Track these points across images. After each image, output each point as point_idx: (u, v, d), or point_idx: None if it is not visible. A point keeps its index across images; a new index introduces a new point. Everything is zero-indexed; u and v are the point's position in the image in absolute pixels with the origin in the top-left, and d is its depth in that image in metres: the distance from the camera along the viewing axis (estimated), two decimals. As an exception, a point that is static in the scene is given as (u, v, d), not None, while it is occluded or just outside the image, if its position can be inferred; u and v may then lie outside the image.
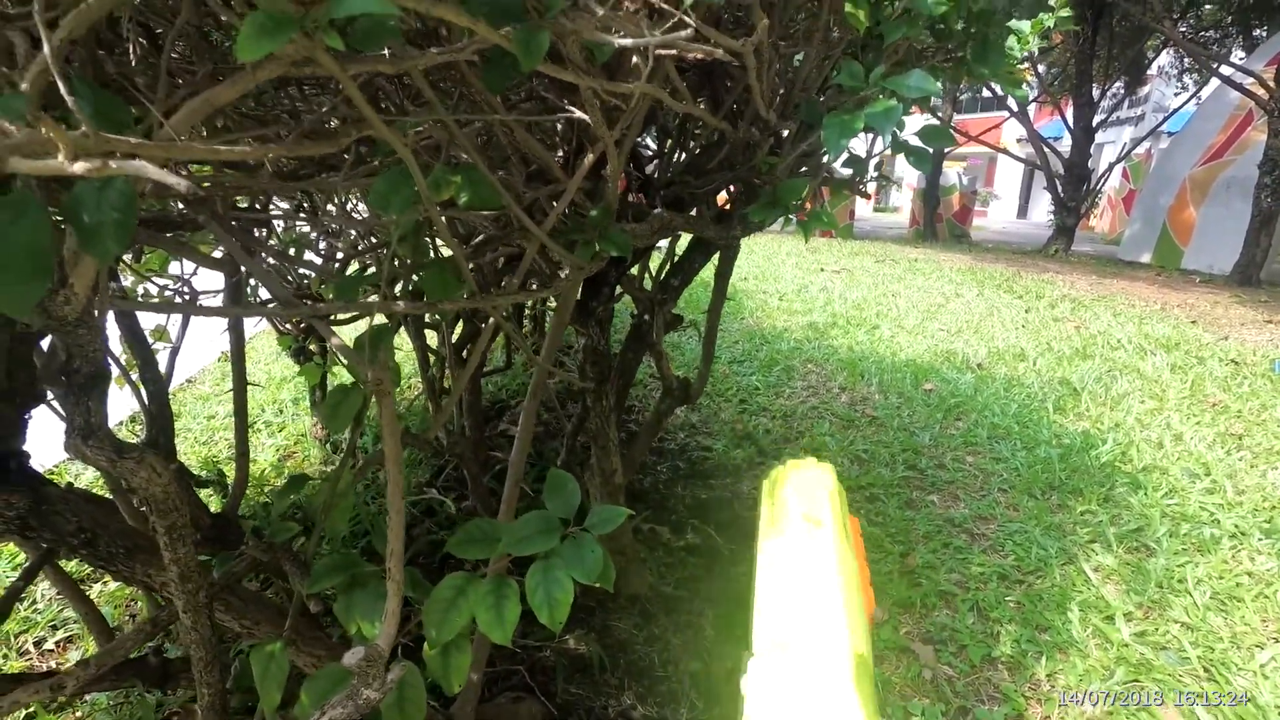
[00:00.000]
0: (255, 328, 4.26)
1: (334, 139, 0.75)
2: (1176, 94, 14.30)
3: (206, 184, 0.96)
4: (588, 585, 0.79)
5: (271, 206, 1.75)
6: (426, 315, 1.68)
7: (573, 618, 1.67)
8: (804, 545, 0.89)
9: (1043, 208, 17.96)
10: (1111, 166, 12.19)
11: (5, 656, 1.62)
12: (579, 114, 0.89)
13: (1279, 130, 7.70)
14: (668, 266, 1.75)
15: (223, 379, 3.56)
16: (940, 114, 12.03)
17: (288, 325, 2.30)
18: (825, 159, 1.42)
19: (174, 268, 1.77)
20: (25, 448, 0.86)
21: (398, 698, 0.72)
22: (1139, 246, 10.55)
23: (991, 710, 1.52)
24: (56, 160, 0.42)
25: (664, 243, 1.89)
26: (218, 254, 1.40)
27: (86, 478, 2.30)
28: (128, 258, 1.55)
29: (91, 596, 1.75)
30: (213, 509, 1.30)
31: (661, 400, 1.84)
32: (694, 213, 1.60)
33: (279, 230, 2.05)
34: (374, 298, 0.94)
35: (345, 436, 2.58)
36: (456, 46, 0.72)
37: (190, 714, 1.40)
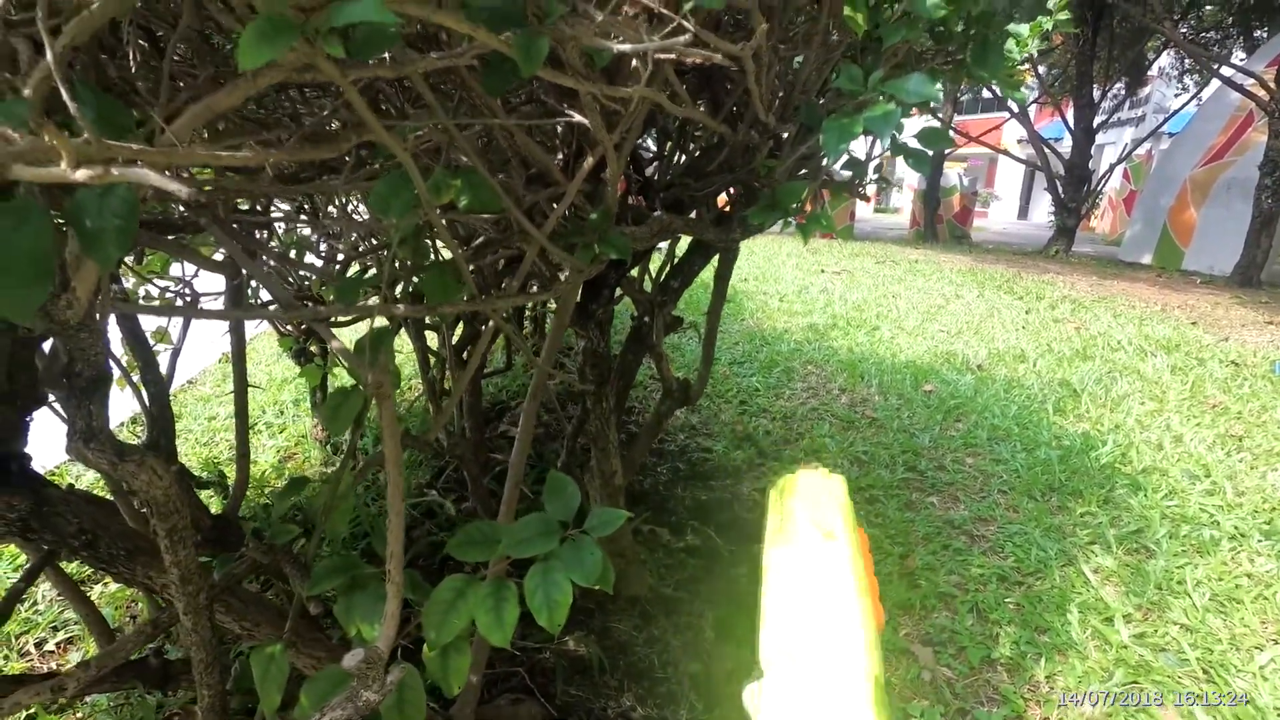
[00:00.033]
0: (256, 329, 4.27)
1: (335, 143, 0.76)
2: (1177, 95, 14.32)
3: (208, 187, 0.96)
4: (587, 587, 0.79)
5: (272, 209, 1.75)
6: (427, 317, 1.69)
7: (572, 619, 1.68)
8: (818, 559, 0.88)
9: (1043, 209, 17.95)
10: (1112, 167, 12.19)
11: (6, 658, 1.62)
12: (578, 118, 0.89)
13: (1279, 131, 7.70)
14: (668, 268, 1.75)
15: (224, 380, 3.57)
16: (941, 115, 12.03)
17: (289, 327, 2.31)
18: (825, 162, 1.42)
19: (175, 269, 1.77)
20: (27, 449, 0.86)
21: (397, 699, 0.72)
22: (1140, 247, 10.55)
23: (991, 712, 1.52)
24: (59, 168, 0.42)
25: (664, 244, 1.89)
26: (219, 256, 1.41)
27: (88, 479, 2.31)
28: (129, 260, 1.55)
29: (92, 598, 1.75)
30: (214, 510, 1.30)
31: (661, 402, 1.84)
32: (694, 215, 1.61)
33: (280, 232, 2.06)
34: (374, 300, 0.94)
35: (346, 438, 2.59)
36: (456, 51, 0.72)
37: (190, 715, 1.41)
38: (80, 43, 0.54)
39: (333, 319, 1.14)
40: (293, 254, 2.03)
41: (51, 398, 0.94)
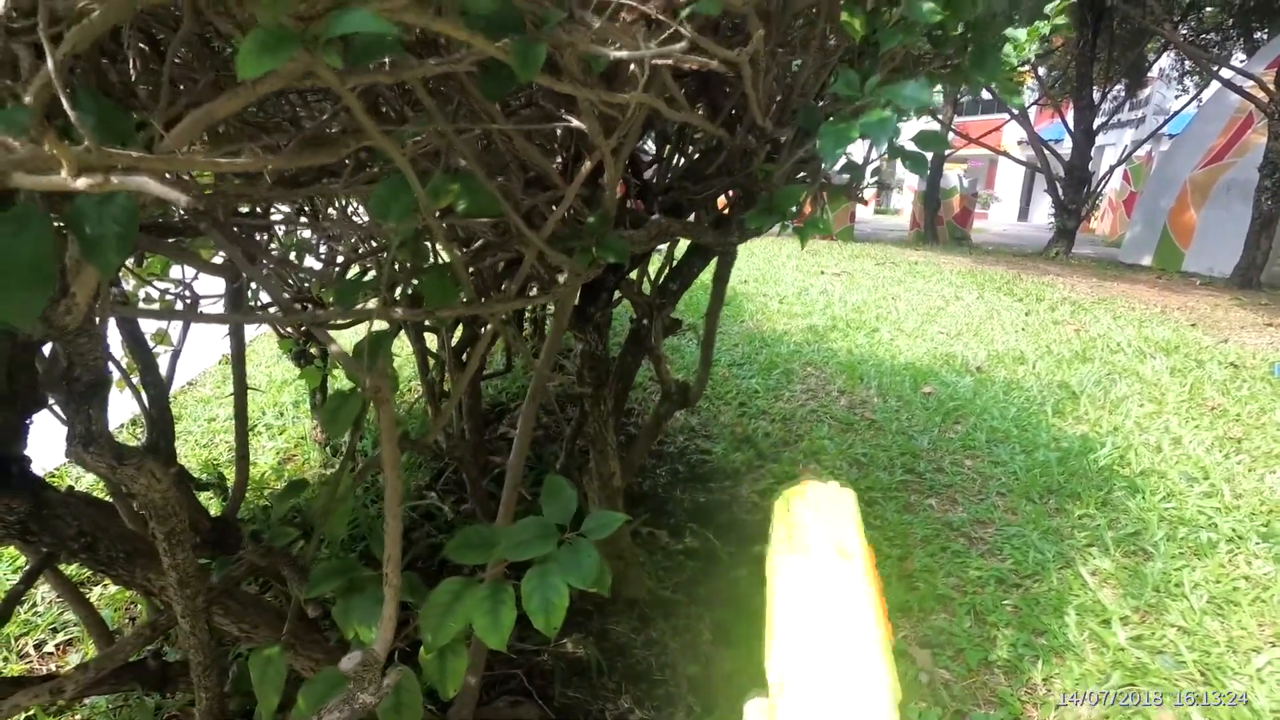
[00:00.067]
0: (256, 330, 4.27)
1: (334, 148, 0.76)
2: (1177, 96, 14.32)
3: (208, 191, 0.96)
4: (585, 589, 0.80)
5: (273, 211, 1.76)
6: (425, 320, 1.69)
7: (571, 621, 1.68)
8: (832, 578, 0.86)
9: (1044, 210, 17.97)
10: (1112, 169, 12.20)
11: (5, 659, 1.63)
12: (576, 123, 0.90)
13: (1278, 133, 7.70)
14: (666, 271, 1.76)
15: (224, 382, 3.57)
16: (940, 116, 12.05)
17: (288, 329, 2.31)
18: (823, 165, 1.43)
19: (175, 271, 1.78)
20: (26, 452, 0.87)
21: (394, 702, 0.72)
22: (1140, 249, 10.55)
23: (988, 714, 1.53)
24: (60, 176, 0.43)
25: (663, 246, 1.90)
26: (218, 259, 1.41)
27: (87, 480, 2.31)
28: (130, 262, 1.56)
29: (92, 599, 1.75)
30: (213, 512, 1.31)
31: (660, 404, 1.84)
32: (692, 218, 1.61)
33: (280, 235, 2.06)
34: (374, 303, 0.95)
35: (345, 440, 2.59)
36: (455, 57, 0.72)
37: (189, 718, 1.41)
38: (81, 50, 0.54)
39: (332, 322, 1.14)
40: (293, 256, 2.04)
41: (51, 400, 0.94)
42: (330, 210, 1.87)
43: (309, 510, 1.53)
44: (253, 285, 1.82)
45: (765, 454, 2.81)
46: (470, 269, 1.37)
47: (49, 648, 1.67)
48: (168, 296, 1.72)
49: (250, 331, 3.98)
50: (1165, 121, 12.55)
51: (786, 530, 1.02)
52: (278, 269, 1.41)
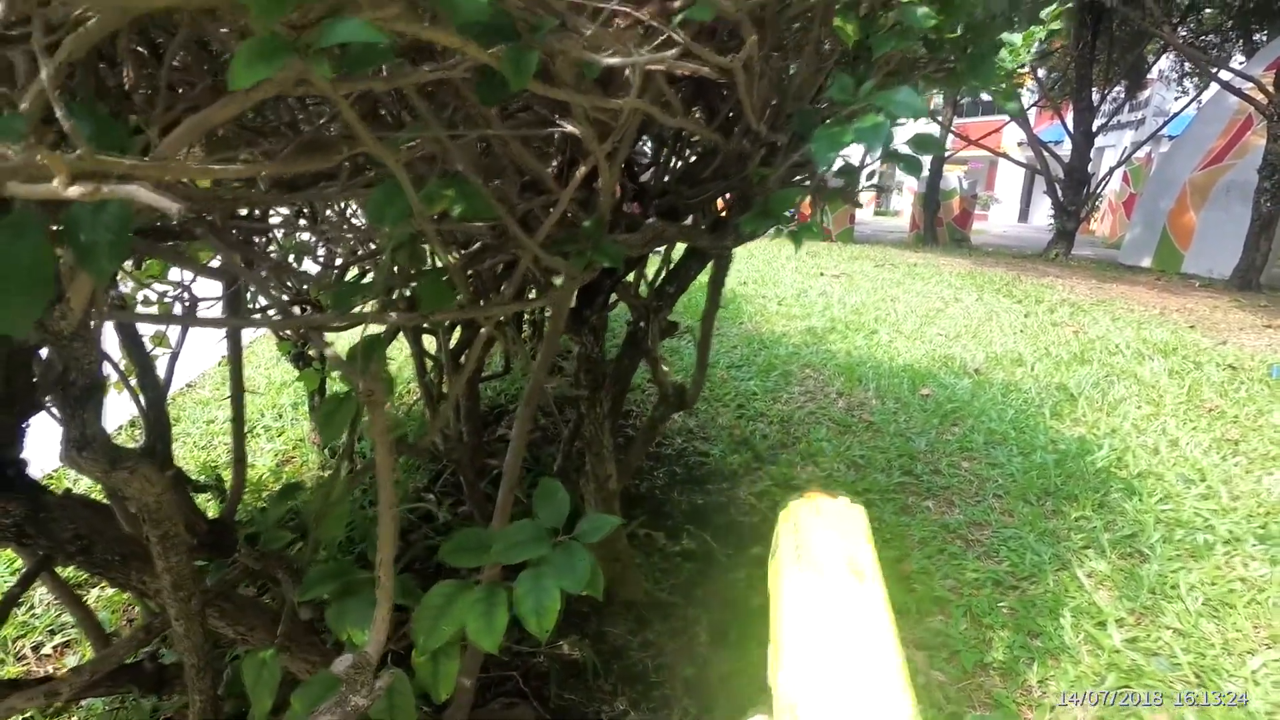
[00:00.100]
0: (256, 332, 4.28)
1: (328, 154, 0.77)
2: (1177, 98, 14.33)
3: (205, 195, 0.97)
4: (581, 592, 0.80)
5: (272, 214, 1.76)
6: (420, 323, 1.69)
7: (567, 623, 1.69)
8: (848, 598, 0.84)
9: (1044, 211, 17.97)
10: (1112, 170, 12.21)
11: (3, 661, 1.63)
12: (570, 128, 0.90)
13: (1278, 135, 7.71)
14: (664, 273, 1.76)
15: (222, 384, 3.58)
16: (940, 118, 12.06)
17: (287, 331, 2.32)
18: (819, 169, 1.43)
19: (174, 274, 1.78)
20: (23, 455, 0.87)
21: (387, 704, 0.73)
22: (1139, 250, 10.56)
23: (984, 716, 1.53)
24: (51, 185, 0.43)
25: (661, 248, 1.90)
26: (216, 263, 1.42)
27: (85, 482, 2.32)
28: (128, 265, 1.56)
29: (90, 601, 1.76)
30: (211, 514, 1.31)
31: (657, 407, 1.85)
32: (689, 221, 1.62)
33: (279, 237, 2.06)
34: (371, 305, 0.95)
35: (343, 442, 2.59)
36: (449, 63, 0.73)
37: None
38: (77, 58, 0.55)
39: (327, 326, 1.14)
40: (292, 258, 2.04)
41: (49, 403, 0.95)
42: (329, 213, 1.87)
43: (306, 513, 1.54)
44: (251, 287, 1.82)
45: (763, 456, 2.81)
46: (469, 271, 1.37)
47: (46, 650, 1.68)
48: (166, 299, 1.72)
49: (249, 333, 3.99)
50: (1165, 123, 12.56)
51: (794, 544, 0.98)
52: (274, 272, 1.41)
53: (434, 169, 1.00)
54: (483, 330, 1.17)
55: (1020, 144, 18.08)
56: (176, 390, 3.41)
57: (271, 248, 1.93)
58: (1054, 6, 1.61)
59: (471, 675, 1.19)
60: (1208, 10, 11.05)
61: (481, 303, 1.59)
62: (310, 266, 2.01)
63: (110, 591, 1.85)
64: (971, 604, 1.88)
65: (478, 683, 1.29)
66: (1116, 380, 3.83)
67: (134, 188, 0.44)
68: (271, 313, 1.55)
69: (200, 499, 2.00)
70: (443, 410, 1.19)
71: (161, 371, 1.35)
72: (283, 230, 2.04)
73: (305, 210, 1.84)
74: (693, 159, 1.70)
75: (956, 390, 3.59)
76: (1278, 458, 2.78)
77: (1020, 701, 1.57)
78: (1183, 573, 2.01)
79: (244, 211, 1.49)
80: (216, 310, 1.61)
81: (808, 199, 1.33)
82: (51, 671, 1.60)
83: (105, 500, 1.16)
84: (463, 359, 2.03)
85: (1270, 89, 7.69)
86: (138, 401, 1.28)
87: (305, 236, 2.04)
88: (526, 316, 3.44)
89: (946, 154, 13.10)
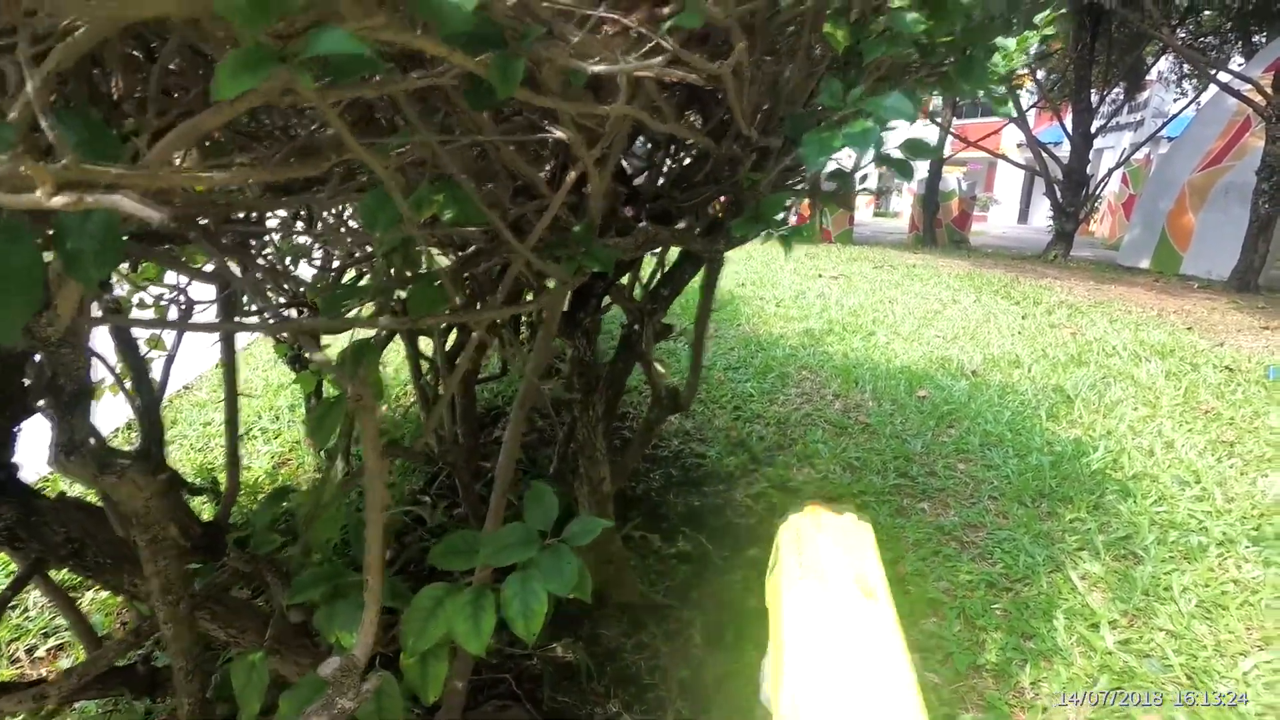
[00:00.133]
0: (252, 335, 4.28)
1: (317, 160, 0.77)
2: (1176, 99, 14.34)
3: (200, 200, 0.97)
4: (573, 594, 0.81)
5: (269, 217, 1.77)
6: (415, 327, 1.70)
7: (561, 625, 1.69)
8: (857, 615, 0.81)
9: (1043, 212, 17.95)
10: (1110, 172, 12.22)
11: (-1, 663, 1.64)
12: (559, 134, 0.91)
13: (1276, 136, 7.72)
14: (658, 276, 1.77)
15: (220, 386, 3.58)
16: (940, 119, 12.07)
17: (282, 335, 2.32)
18: (809, 173, 1.44)
19: (170, 276, 1.78)
20: (16, 459, 0.88)
21: (375, 707, 0.73)
22: (1138, 252, 10.56)
23: (976, 718, 1.54)
24: (35, 195, 0.44)
25: (657, 250, 1.91)
26: (211, 266, 1.42)
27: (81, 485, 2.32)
28: (124, 268, 1.57)
29: (84, 604, 1.77)
30: (207, 516, 1.32)
31: (651, 409, 1.85)
32: (682, 225, 1.62)
33: (276, 240, 2.07)
34: (369, 308, 0.96)
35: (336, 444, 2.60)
36: (438, 71, 0.73)
37: (181, 720, 1.42)
38: (65, 68, 0.55)
39: (318, 330, 1.15)
40: (288, 260, 2.05)
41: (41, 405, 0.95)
42: (327, 216, 1.88)
43: (298, 516, 1.54)
44: (256, 288, 1.83)
45: (759, 458, 2.82)
46: (465, 275, 1.38)
47: (40, 653, 1.68)
48: (162, 302, 1.73)
49: (247, 335, 3.99)
50: (1164, 124, 12.56)
51: (797, 558, 0.95)
52: (268, 276, 1.42)
53: (426, 173, 1.01)
54: (471, 335, 1.17)
55: (1020, 145, 18.07)
56: (174, 393, 3.42)
57: (268, 251, 1.94)
58: (1047, 12, 1.62)
59: (464, 677, 1.20)
60: (1206, 12, 11.06)
61: (479, 305, 1.60)
62: (305, 270, 2.02)
63: (105, 594, 1.86)
64: (965, 606, 1.89)
65: (470, 685, 1.29)
66: (1113, 382, 3.83)
67: (117, 197, 0.44)
68: (265, 316, 1.55)
69: (196, 501, 2.01)
70: (435, 411, 1.20)
71: (158, 374, 1.35)
72: (280, 233, 2.05)
73: (303, 213, 1.84)
74: (687, 162, 1.70)
75: (953, 392, 3.60)
76: (1273, 459, 2.78)
77: (1013, 703, 1.58)
78: (1176, 574, 2.01)
79: (240, 214, 1.49)
80: (211, 313, 1.62)
81: (806, 201, 1.34)
82: (45, 675, 1.61)
83: (100, 503, 1.16)
84: (457, 361, 2.03)
85: (1269, 90, 7.70)
86: (133, 404, 1.28)
87: (303, 239, 2.05)
88: (524, 319, 3.44)
89: (946, 156, 13.10)
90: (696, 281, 1.82)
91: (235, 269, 1.04)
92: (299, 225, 1.81)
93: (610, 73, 0.73)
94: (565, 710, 1.49)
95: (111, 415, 2.75)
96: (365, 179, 1.06)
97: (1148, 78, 13.59)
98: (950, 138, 12.52)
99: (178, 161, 0.89)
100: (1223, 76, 8.88)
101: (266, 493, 2.41)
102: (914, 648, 1.73)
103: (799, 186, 1.58)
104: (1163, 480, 2.61)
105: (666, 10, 0.84)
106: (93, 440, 0.85)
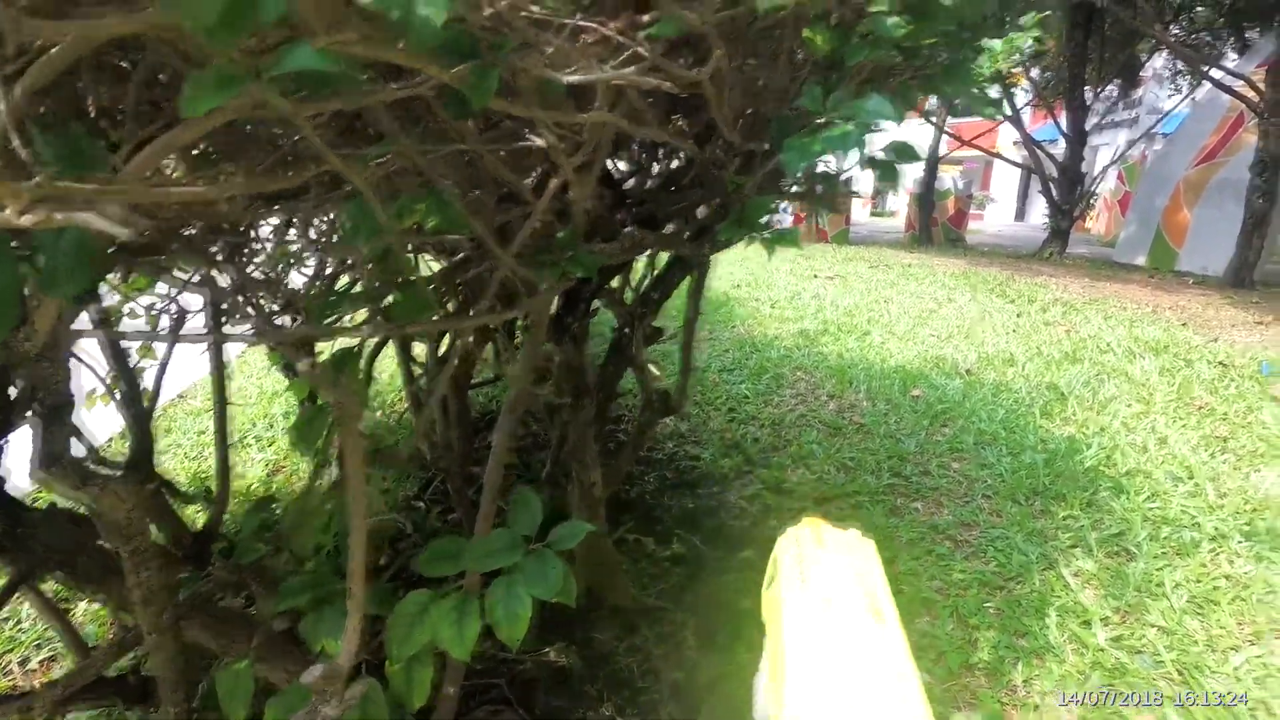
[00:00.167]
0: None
1: (298, 171, 0.78)
2: (1170, 96, 14.36)
3: (186, 210, 0.98)
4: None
5: (262, 223, 1.77)
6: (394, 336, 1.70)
7: (554, 629, 1.69)
8: (864, 638, 0.79)
9: (1040, 210, 17.98)
10: (1105, 169, 12.25)
11: (-8, 674, 1.64)
12: (539, 142, 0.91)
13: (1269, 132, 7.74)
14: (649, 279, 1.77)
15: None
16: (935, 118, 12.09)
17: (271, 342, 2.32)
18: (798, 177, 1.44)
19: (161, 285, 1.79)
20: (3, 471, 0.88)
21: (360, 714, 0.74)
22: (1134, 248, 10.58)
23: (969, 717, 1.54)
24: (5, 213, 0.44)
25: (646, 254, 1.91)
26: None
27: (78, 493, 2.32)
28: (113, 277, 1.57)
29: (77, 614, 1.77)
30: (201, 524, 1.32)
31: (642, 413, 1.86)
32: (670, 229, 1.63)
33: (268, 248, 2.07)
34: (362, 315, 0.96)
35: (322, 451, 2.60)
36: (416, 81, 0.74)
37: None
38: (41, 86, 0.56)
39: (307, 339, 1.15)
40: (280, 268, 2.05)
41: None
42: (317, 222, 1.88)
43: (285, 523, 1.54)
44: (239, 298, 1.83)
45: (754, 459, 2.82)
46: (457, 281, 1.38)
47: (33, 664, 1.68)
48: (153, 310, 1.73)
49: (240, 343, 3.99)
50: (1158, 121, 12.57)
51: (798, 574, 0.92)
52: (253, 285, 1.42)
53: (410, 181, 1.02)
54: (458, 342, 1.18)
55: (1015, 143, 18.10)
56: (168, 401, 3.42)
57: (259, 259, 1.94)
58: (1031, 14, 1.62)
59: (456, 683, 1.20)
60: (1200, 9, 11.09)
61: (471, 312, 1.60)
62: (296, 278, 2.02)
63: (97, 605, 1.86)
64: (958, 604, 1.89)
65: (462, 690, 1.30)
66: (1107, 379, 3.84)
67: (86, 215, 0.45)
68: (253, 324, 1.56)
69: (190, 510, 2.01)
70: (425, 415, 1.20)
71: (150, 383, 1.36)
72: (272, 241, 2.05)
73: (294, 221, 1.85)
74: (674, 166, 1.71)
75: (947, 391, 3.61)
76: (1265, 454, 2.79)
77: (1005, 701, 1.58)
78: (1168, 570, 2.02)
79: (228, 225, 1.50)
80: (199, 325, 1.62)
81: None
82: (36, 686, 1.61)
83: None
84: (444, 366, 2.04)
85: (1260, 87, 7.72)
86: (124, 414, 1.29)
87: (296, 246, 2.05)
88: (520, 323, 3.44)
89: (942, 154, 13.12)
90: (688, 284, 1.83)
91: (221, 279, 1.04)
92: (291, 233, 1.81)
93: (586, 81, 0.73)
94: (558, 714, 1.49)
95: (107, 423, 2.76)
96: (350, 186, 1.06)
97: (1142, 75, 13.62)
98: (946, 136, 12.54)
99: (169, 172, 0.90)
100: (1216, 73, 8.91)
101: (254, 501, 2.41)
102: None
103: (792, 189, 1.59)
104: (1156, 476, 2.62)
105: (646, 19, 0.85)
106: (82, 450, 0.86)
